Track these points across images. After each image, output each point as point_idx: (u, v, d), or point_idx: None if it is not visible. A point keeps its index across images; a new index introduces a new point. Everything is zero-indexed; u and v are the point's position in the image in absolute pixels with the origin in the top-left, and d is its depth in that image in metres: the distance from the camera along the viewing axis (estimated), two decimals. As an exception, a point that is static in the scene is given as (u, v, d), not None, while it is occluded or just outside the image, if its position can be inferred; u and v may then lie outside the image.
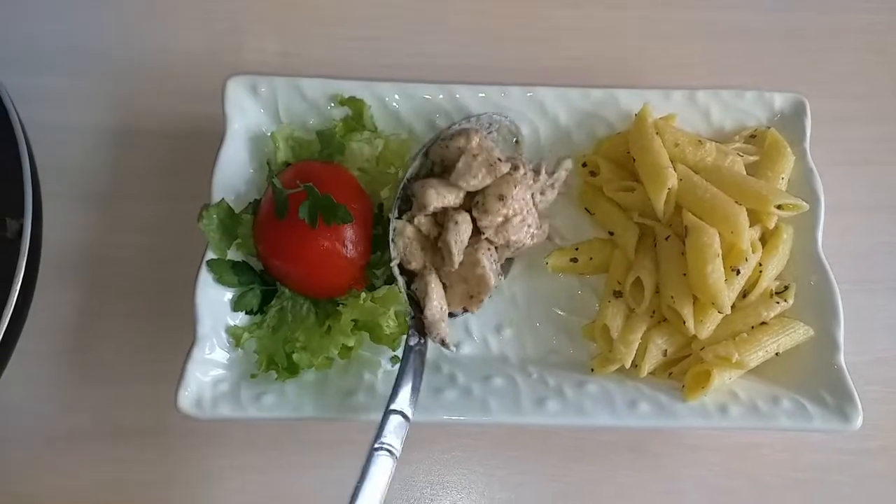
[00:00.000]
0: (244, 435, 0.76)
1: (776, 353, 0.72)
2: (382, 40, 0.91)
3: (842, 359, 0.71)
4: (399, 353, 0.70)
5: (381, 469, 0.59)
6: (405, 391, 0.64)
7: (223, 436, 0.76)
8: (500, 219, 0.71)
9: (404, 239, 0.72)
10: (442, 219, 0.72)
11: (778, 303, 0.73)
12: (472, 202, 0.72)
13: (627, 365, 0.72)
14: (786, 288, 0.75)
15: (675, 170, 0.74)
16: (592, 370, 0.74)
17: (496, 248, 0.73)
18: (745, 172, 0.77)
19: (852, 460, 0.79)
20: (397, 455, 0.61)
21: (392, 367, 0.72)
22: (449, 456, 0.77)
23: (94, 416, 0.76)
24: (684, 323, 0.70)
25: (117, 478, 0.74)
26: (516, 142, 0.79)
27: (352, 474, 0.75)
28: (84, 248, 0.81)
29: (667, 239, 0.74)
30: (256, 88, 0.76)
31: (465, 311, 0.73)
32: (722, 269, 0.70)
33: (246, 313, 0.72)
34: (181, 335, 0.69)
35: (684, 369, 0.73)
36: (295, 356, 0.68)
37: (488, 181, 0.71)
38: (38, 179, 0.72)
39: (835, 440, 0.79)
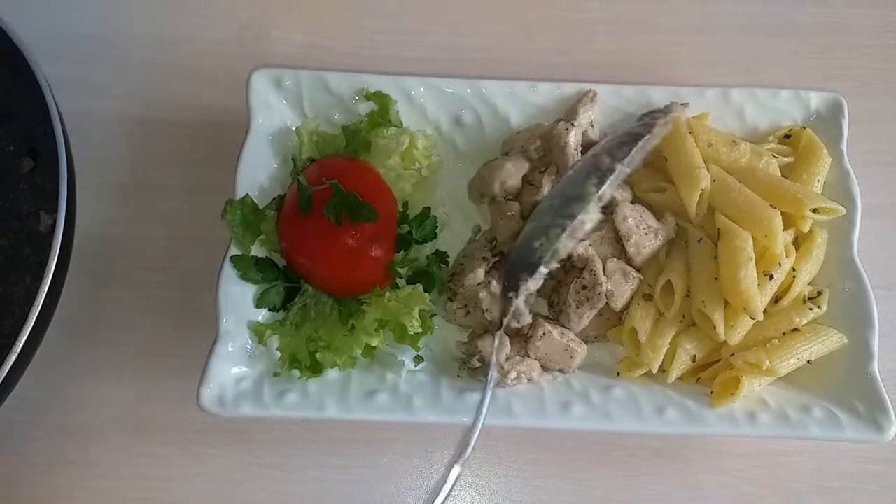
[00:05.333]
0: (266, 432, 0.76)
1: (808, 361, 0.70)
2: (409, 33, 0.90)
3: (876, 367, 0.69)
4: (423, 353, 0.70)
5: None
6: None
7: (244, 433, 0.75)
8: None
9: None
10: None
11: (811, 309, 0.72)
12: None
13: (655, 369, 0.71)
14: (819, 294, 0.73)
15: (708, 170, 0.72)
16: (619, 374, 0.73)
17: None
18: (779, 174, 0.75)
19: (883, 470, 0.77)
20: None
21: (416, 367, 0.71)
22: (471, 457, 0.76)
23: (116, 410, 0.76)
24: (714, 328, 0.69)
25: (138, 472, 0.74)
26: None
27: (373, 473, 0.75)
28: (108, 238, 0.81)
29: (699, 241, 0.72)
30: (281, 82, 0.75)
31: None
32: (755, 273, 0.68)
33: (269, 310, 0.72)
34: (204, 330, 0.69)
35: (713, 375, 0.71)
36: (318, 355, 0.68)
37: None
38: (73, 175, 0.72)
39: (865, 449, 0.77)
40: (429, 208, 0.75)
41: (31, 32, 0.75)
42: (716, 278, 0.70)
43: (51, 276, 0.66)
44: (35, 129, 0.73)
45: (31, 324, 0.65)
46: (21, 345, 0.64)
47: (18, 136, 0.79)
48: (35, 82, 0.72)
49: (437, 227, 0.75)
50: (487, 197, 0.77)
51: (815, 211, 0.71)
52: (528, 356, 0.70)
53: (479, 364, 0.69)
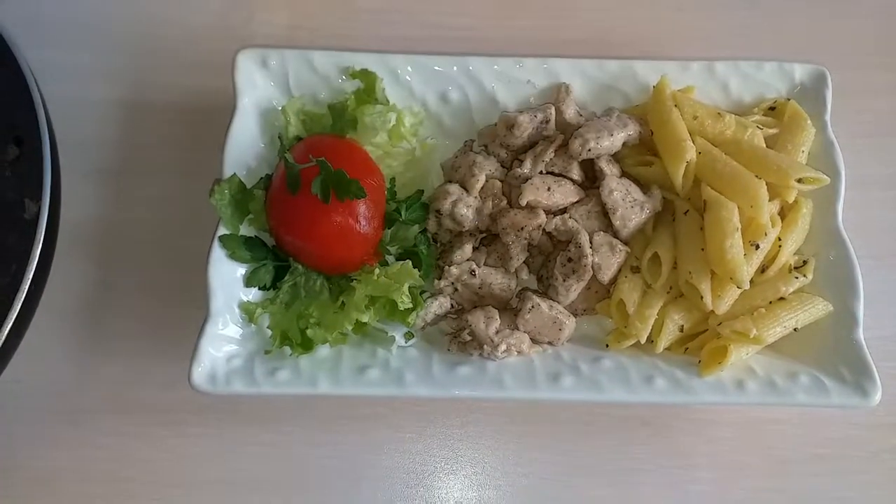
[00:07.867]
0: (258, 410, 0.76)
1: (794, 329, 0.71)
2: (394, 12, 0.89)
3: (861, 334, 0.70)
4: (414, 329, 0.70)
5: None
6: None
7: (237, 412, 0.76)
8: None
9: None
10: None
11: (797, 278, 0.72)
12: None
13: (643, 340, 0.71)
14: (805, 263, 0.74)
15: (693, 143, 0.72)
16: (608, 346, 0.73)
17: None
18: (764, 145, 0.75)
19: (869, 435, 0.78)
20: None
21: (406, 342, 0.71)
22: (463, 431, 0.77)
23: (109, 391, 0.76)
24: (702, 298, 0.70)
25: (131, 453, 0.75)
26: None
27: (365, 448, 0.76)
28: (96, 223, 0.81)
29: (685, 213, 0.73)
30: (267, 62, 0.75)
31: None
32: (741, 243, 0.69)
33: (259, 289, 0.72)
34: (195, 311, 0.69)
35: (701, 345, 0.72)
36: (309, 332, 0.68)
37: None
38: (58, 162, 0.72)
39: (852, 415, 0.78)
40: (421, 191, 0.76)
41: (14, 18, 0.75)
42: (702, 249, 0.70)
43: (35, 264, 0.67)
44: (19, 117, 0.72)
45: (17, 311, 0.65)
46: (6, 333, 0.65)
47: (3, 124, 0.78)
48: (18, 69, 0.72)
49: (426, 210, 0.76)
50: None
51: (799, 181, 0.72)
52: (518, 329, 0.71)
53: (469, 338, 0.70)
